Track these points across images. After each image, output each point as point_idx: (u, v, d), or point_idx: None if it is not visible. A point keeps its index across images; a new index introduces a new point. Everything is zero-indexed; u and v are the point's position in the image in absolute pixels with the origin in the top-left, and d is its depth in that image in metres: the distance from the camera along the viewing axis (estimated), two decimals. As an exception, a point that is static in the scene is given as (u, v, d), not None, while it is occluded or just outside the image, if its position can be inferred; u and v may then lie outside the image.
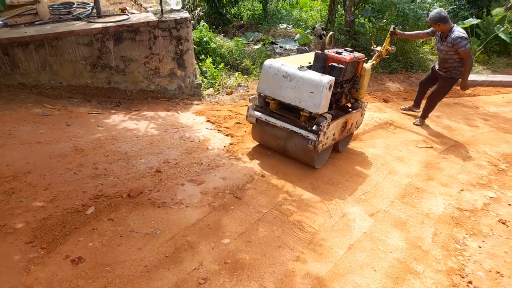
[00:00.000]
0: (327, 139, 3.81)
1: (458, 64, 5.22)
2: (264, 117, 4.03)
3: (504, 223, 3.58)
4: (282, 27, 9.71)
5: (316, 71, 3.79)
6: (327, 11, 9.77)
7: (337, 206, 3.57)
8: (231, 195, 3.54)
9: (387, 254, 3.02)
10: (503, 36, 9.60)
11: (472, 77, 8.70)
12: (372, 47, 5.24)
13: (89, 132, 4.34)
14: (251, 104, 4.16)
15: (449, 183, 4.22)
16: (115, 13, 5.55)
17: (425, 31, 5.70)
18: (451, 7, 11.19)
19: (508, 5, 12.07)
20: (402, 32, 5.77)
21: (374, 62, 5.07)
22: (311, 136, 3.72)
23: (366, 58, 4.33)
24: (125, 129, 4.56)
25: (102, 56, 5.12)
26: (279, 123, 3.94)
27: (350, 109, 4.42)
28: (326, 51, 3.92)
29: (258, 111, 4.13)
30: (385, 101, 6.83)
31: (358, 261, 2.90)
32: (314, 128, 3.77)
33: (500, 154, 5.05)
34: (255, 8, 11.17)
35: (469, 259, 3.08)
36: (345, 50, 4.11)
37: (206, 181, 3.72)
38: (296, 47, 8.57)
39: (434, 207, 3.72)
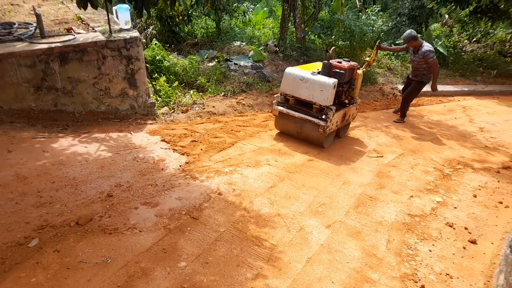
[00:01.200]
0: (332, 125, 5.07)
1: (427, 72, 6.47)
2: (285, 110, 5.29)
3: (451, 226, 3.78)
4: (236, 44, 9.83)
5: (324, 75, 5.03)
6: (278, 29, 10.04)
7: (295, 219, 3.60)
8: (187, 215, 3.45)
9: (344, 264, 3.07)
10: (441, 50, 10.35)
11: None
12: (362, 58, 6.75)
13: (33, 158, 4.09)
14: (275, 101, 5.44)
15: (400, 190, 4.40)
16: (60, 33, 5.35)
17: (401, 46, 7.07)
18: (393, 23, 11.93)
19: (444, 21, 13.07)
20: (385, 46, 6.96)
21: (364, 69, 6.16)
22: (321, 122, 4.96)
23: (359, 66, 5.64)
24: (73, 153, 4.35)
25: (46, 78, 4.88)
26: (297, 114, 5.20)
27: (347, 104, 5.58)
28: (330, 61, 5.18)
29: (280, 105, 5.37)
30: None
31: (317, 274, 2.92)
32: (323, 117, 4.95)
33: (444, 160, 5.37)
34: (209, 26, 11.25)
35: (421, 263, 3.20)
36: (344, 60, 5.37)
37: (161, 203, 3.61)
38: (251, 63, 8.70)
39: (386, 215, 3.86)
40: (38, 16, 5.03)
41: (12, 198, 3.36)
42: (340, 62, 5.20)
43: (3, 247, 2.77)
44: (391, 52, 10.71)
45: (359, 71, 5.63)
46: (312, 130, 5.13)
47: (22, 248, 2.80)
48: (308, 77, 4.99)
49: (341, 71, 5.02)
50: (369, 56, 6.89)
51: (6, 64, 4.59)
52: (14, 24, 5.56)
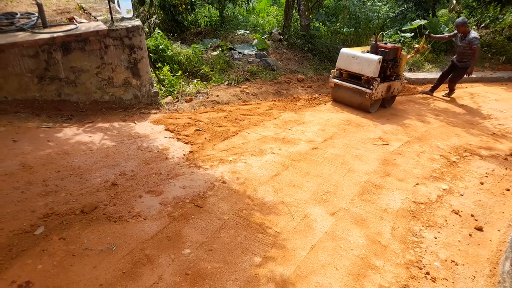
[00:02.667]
0: (377, 93, 6.21)
1: (470, 57, 7.18)
2: (339, 82, 6.58)
3: (457, 213, 3.75)
4: (239, 33, 9.74)
5: (371, 53, 6.19)
6: (282, 17, 9.92)
7: (299, 207, 3.59)
8: (191, 204, 3.46)
9: (348, 251, 3.06)
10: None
11: (423, 75, 9.16)
12: (413, 45, 8.33)
13: (38, 147, 4.11)
14: (331, 75, 6.73)
15: (405, 178, 4.37)
16: (62, 23, 5.32)
17: (449, 34, 7.77)
18: (400, 9, 11.72)
19: (451, 7, 12.82)
20: (433, 35, 7.74)
21: (412, 54, 7.50)
22: (367, 90, 6.14)
23: (402, 47, 6.94)
24: (78, 142, 4.36)
25: (49, 68, 4.87)
26: (349, 84, 6.44)
27: (393, 79, 6.60)
28: (378, 43, 6.29)
29: (335, 78, 6.63)
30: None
31: (321, 261, 2.92)
32: (370, 86, 6.12)
33: (450, 147, 5.31)
34: (212, 15, 11.14)
35: (425, 250, 3.18)
36: (390, 42, 6.54)
37: (165, 191, 3.61)
38: (255, 52, 8.62)
39: (392, 202, 3.83)
40: (39, 6, 5.00)
41: (18, 187, 3.38)
42: (386, 44, 6.33)
43: (10, 235, 2.80)
44: (397, 40, 10.55)
45: (404, 52, 6.61)
46: (360, 97, 6.32)
47: (29, 236, 2.83)
48: (358, 55, 6.22)
49: (385, 50, 6.15)
50: (418, 44, 7.98)
51: (9, 55, 4.58)
52: (16, 14, 5.53)
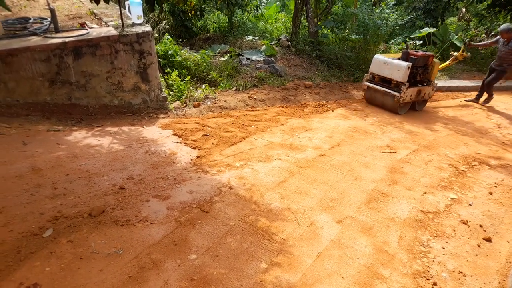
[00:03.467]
0: (406, 96, 6.67)
1: (510, 62, 7.50)
2: (371, 85, 7.10)
3: (465, 223, 3.71)
4: (248, 39, 9.80)
5: (402, 60, 6.65)
6: (291, 23, 9.96)
7: (305, 214, 3.58)
8: (198, 209, 3.47)
9: (355, 260, 3.04)
10: (457, 43, 10.13)
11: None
12: (451, 53, 8.17)
13: (48, 150, 4.16)
14: (365, 78, 7.26)
15: (413, 186, 4.33)
16: (74, 28, 5.41)
17: (492, 40, 7.96)
18: (409, 17, 11.70)
19: (461, 15, 12.77)
20: (474, 43, 8.17)
21: (450, 62, 7.96)
22: (396, 93, 6.63)
23: (434, 55, 7.14)
24: (87, 146, 4.41)
25: (61, 72, 4.95)
26: (380, 87, 6.95)
27: (424, 84, 7.02)
28: (408, 50, 6.73)
29: (368, 82, 7.18)
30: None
31: (327, 269, 2.91)
32: (399, 90, 6.61)
33: (459, 156, 5.26)
34: (221, 21, 11.24)
35: (433, 260, 3.15)
36: (422, 51, 6.93)
37: (172, 196, 3.63)
38: (263, 58, 8.66)
39: (399, 211, 3.80)
40: (52, 11, 5.09)
41: (28, 190, 3.42)
42: (417, 51, 6.71)
43: (19, 237, 2.83)
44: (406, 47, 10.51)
45: (436, 60, 6.99)
46: (390, 99, 6.82)
47: (37, 238, 2.86)
48: (389, 61, 6.73)
49: (415, 57, 6.59)
50: (456, 52, 8.19)
51: (22, 58, 4.67)
52: (30, 19, 5.64)
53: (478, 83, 9.37)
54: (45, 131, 4.59)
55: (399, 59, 6.69)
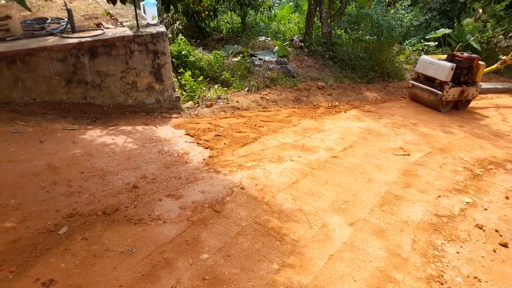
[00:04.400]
0: (448, 95, 7.05)
1: None
2: (416, 83, 7.59)
3: (480, 228, 3.64)
4: (261, 39, 9.80)
5: (446, 61, 7.09)
6: (304, 24, 9.93)
7: (317, 216, 3.56)
8: (210, 209, 3.49)
9: (367, 263, 3.02)
10: (474, 45, 9.97)
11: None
12: (500, 56, 8.31)
13: (63, 148, 4.23)
14: (411, 77, 7.77)
15: (427, 189, 4.28)
16: (90, 28, 5.49)
17: None
18: (424, 18, 11.55)
19: (477, 16, 12.55)
20: None
21: (498, 65, 8.18)
22: (439, 92, 7.06)
23: (479, 57, 7.35)
24: (101, 144, 4.47)
25: (77, 71, 5.03)
26: (424, 86, 7.40)
27: (468, 85, 7.30)
28: (454, 52, 7.24)
29: (414, 80, 7.67)
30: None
31: (339, 272, 2.89)
32: (442, 89, 7.04)
33: (475, 160, 5.17)
34: (234, 21, 11.26)
35: (447, 265, 3.10)
36: (467, 52, 7.45)
37: (185, 195, 3.66)
38: (275, 58, 8.65)
39: (412, 214, 3.76)
40: (69, 12, 5.18)
41: (44, 187, 3.49)
42: (462, 53, 7.15)
43: (35, 233, 2.89)
44: (421, 48, 10.40)
45: (481, 62, 7.29)
46: (433, 97, 7.21)
47: (53, 235, 2.91)
48: (434, 61, 7.19)
49: (460, 59, 6.97)
50: (505, 56, 8.34)
51: (39, 58, 4.76)
52: (47, 19, 5.75)
53: (495, 85, 9.22)
54: (61, 130, 4.67)
55: (444, 60, 7.13)
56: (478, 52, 10.43)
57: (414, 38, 10.97)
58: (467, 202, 4.09)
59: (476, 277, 2.99)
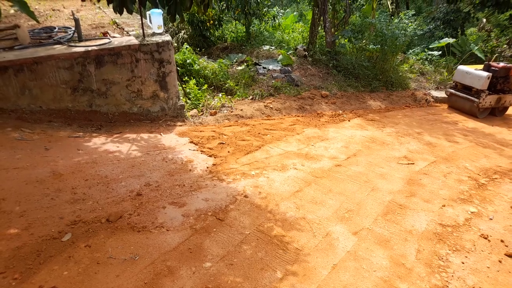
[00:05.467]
0: (485, 103, 7.51)
1: None
2: (454, 91, 8.04)
3: (486, 238, 3.61)
4: (265, 48, 9.88)
5: (483, 71, 7.51)
6: (308, 33, 10.00)
7: (321, 225, 3.55)
8: (213, 217, 3.49)
9: (371, 273, 2.99)
10: (478, 54, 9.97)
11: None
12: None
13: (68, 156, 4.26)
14: (448, 86, 8.30)
15: (431, 199, 4.25)
16: (97, 37, 5.57)
17: None
18: (428, 28, 11.59)
19: (481, 25, 12.57)
20: None
21: None
22: (475, 99, 7.50)
23: None
24: (106, 152, 4.50)
25: (83, 80, 5.09)
26: (461, 94, 7.86)
27: (505, 93, 7.66)
28: (490, 62, 7.67)
29: (451, 89, 8.13)
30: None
31: (342, 281, 2.87)
32: (478, 97, 7.47)
33: (479, 169, 5.14)
34: (239, 30, 11.36)
35: (452, 275, 3.07)
36: (503, 62, 7.84)
37: (188, 203, 3.66)
38: (279, 67, 8.70)
39: (417, 224, 3.73)
40: (76, 21, 5.26)
41: (48, 194, 3.51)
42: (498, 63, 7.55)
43: (39, 240, 2.90)
44: (425, 57, 10.42)
45: None
46: (470, 104, 7.66)
47: (56, 242, 2.92)
48: (471, 71, 7.63)
49: (496, 69, 7.40)
50: None
51: (46, 66, 4.83)
52: (55, 28, 5.84)
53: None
54: (66, 137, 4.71)
55: (481, 70, 7.57)
56: (482, 61, 10.44)
57: (418, 48, 11.00)
58: (472, 212, 4.06)
59: (482, 288, 2.95)
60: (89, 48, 5.03)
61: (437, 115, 7.72)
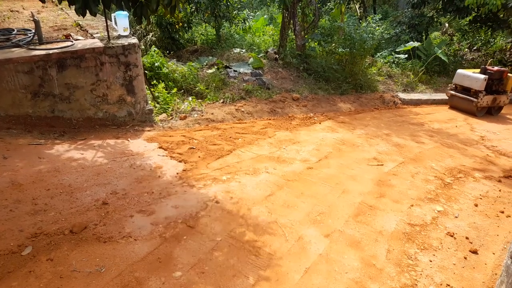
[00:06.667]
0: (482, 102, 8.14)
1: None
2: (454, 93, 8.63)
3: (452, 236, 3.72)
4: (235, 51, 9.83)
5: (480, 74, 8.20)
6: (278, 36, 10.05)
7: (293, 228, 3.54)
8: (183, 224, 3.40)
9: (343, 275, 3.00)
10: (442, 57, 10.34)
11: (417, 96, 9.25)
12: None
13: (29, 164, 4.05)
14: (449, 88, 8.85)
15: (400, 199, 4.34)
16: (59, 40, 5.34)
17: None
18: (394, 32, 11.94)
19: (444, 30, 13.10)
20: None
21: None
22: (474, 99, 8.11)
23: (508, 70, 8.61)
24: (69, 159, 4.31)
25: (44, 84, 4.86)
26: (461, 95, 8.47)
27: (500, 94, 8.36)
28: (486, 66, 8.41)
29: (452, 90, 8.70)
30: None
31: (315, 285, 2.86)
32: (476, 97, 8.10)
33: (445, 169, 5.31)
34: (209, 33, 11.27)
35: (421, 274, 3.13)
36: (497, 67, 8.58)
37: (157, 211, 3.56)
38: (250, 70, 8.68)
39: (386, 224, 3.80)
40: (36, 23, 5.03)
41: (7, 205, 3.31)
42: (493, 67, 8.30)
43: (-5, 256, 2.72)
44: (392, 60, 10.72)
45: (510, 75, 8.45)
46: (469, 104, 8.28)
47: (15, 257, 2.76)
48: (469, 74, 8.32)
49: (491, 71, 8.12)
50: None
51: (4, 71, 4.57)
52: (13, 30, 5.56)
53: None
54: (27, 145, 4.48)
55: (478, 73, 8.27)
56: (445, 65, 10.87)
57: (385, 51, 11.29)
58: (439, 211, 4.18)
59: (449, 285, 3.03)
60: (50, 51, 4.81)
61: (405, 116, 7.94)
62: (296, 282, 2.87)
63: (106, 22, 5.41)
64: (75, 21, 6.52)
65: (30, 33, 5.38)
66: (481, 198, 4.54)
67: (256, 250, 3.17)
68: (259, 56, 9.39)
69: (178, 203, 3.71)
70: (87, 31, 5.97)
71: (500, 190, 4.77)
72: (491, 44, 12.20)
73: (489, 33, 11.67)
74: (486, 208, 4.32)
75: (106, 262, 2.82)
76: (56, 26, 6.19)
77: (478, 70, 8.51)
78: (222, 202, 3.83)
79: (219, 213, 3.64)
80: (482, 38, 12.26)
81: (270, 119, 6.80)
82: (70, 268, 2.73)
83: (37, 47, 4.94)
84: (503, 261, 3.28)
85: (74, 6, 3.44)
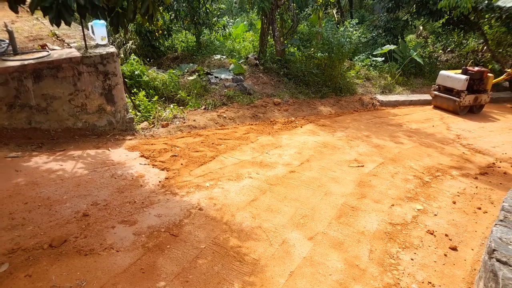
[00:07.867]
0: (465, 101, 8.52)
1: None
2: (438, 93, 8.95)
3: (432, 233, 3.81)
4: (216, 57, 9.84)
5: (461, 74, 8.56)
6: (258, 42, 10.13)
7: (277, 232, 3.55)
8: (167, 233, 3.37)
9: (327, 277, 3.03)
10: (417, 59, 10.61)
11: (394, 97, 9.46)
12: (505, 69, 10.10)
13: (5, 178, 3.95)
14: (433, 88, 9.14)
15: (381, 199, 4.42)
16: (34, 50, 5.24)
17: None
18: (371, 35, 12.20)
19: (419, 32, 13.46)
20: None
21: (504, 77, 9.85)
22: (457, 99, 8.48)
23: (488, 70, 9.03)
24: (48, 171, 4.22)
25: (20, 96, 4.76)
26: (444, 95, 8.82)
27: (480, 92, 8.72)
28: (467, 67, 8.78)
29: (435, 90, 9.01)
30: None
31: (299, 288, 2.88)
32: (459, 96, 8.46)
33: (423, 168, 5.44)
34: (189, 40, 11.25)
35: (403, 272, 3.19)
36: (478, 67, 8.95)
37: (140, 220, 3.52)
38: (231, 76, 8.70)
39: (368, 224, 3.86)
40: (10, 33, 4.93)
41: (-18, 221, 3.21)
42: (474, 68, 8.70)
43: (-30, 274, 2.64)
44: (369, 63, 10.94)
45: (490, 74, 8.83)
46: (452, 103, 8.66)
47: (-9, 274, 2.67)
48: (451, 75, 8.70)
49: (472, 72, 8.49)
50: (510, 68, 10.05)
51: (-23, 82, 4.45)
52: (-14, 41, 5.41)
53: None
54: (3, 158, 4.36)
55: (460, 73, 8.65)
56: (421, 67, 11.15)
57: (363, 54, 11.51)
58: (419, 209, 4.27)
59: (430, 282, 3.10)
60: (26, 62, 4.72)
61: (383, 118, 8.10)
62: (281, 287, 2.88)
63: (83, 32, 5.34)
64: (51, 30, 6.41)
65: (4, 44, 5.25)
66: (458, 196, 4.66)
67: (240, 256, 3.17)
68: (239, 62, 9.43)
69: (161, 212, 3.68)
70: (64, 41, 5.88)
71: (476, 187, 4.92)
72: (464, 45, 12.60)
73: (462, 35, 12.05)
74: (464, 205, 4.45)
75: (87, 276, 2.77)
76: (31, 36, 6.07)
77: (460, 71, 8.87)
78: (205, 209, 3.82)
79: (202, 220, 3.63)
80: (455, 40, 12.64)
81: (252, 124, 6.83)
82: (50, 283, 2.67)
83: (11, 58, 4.83)
84: (481, 256, 3.38)
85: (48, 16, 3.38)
